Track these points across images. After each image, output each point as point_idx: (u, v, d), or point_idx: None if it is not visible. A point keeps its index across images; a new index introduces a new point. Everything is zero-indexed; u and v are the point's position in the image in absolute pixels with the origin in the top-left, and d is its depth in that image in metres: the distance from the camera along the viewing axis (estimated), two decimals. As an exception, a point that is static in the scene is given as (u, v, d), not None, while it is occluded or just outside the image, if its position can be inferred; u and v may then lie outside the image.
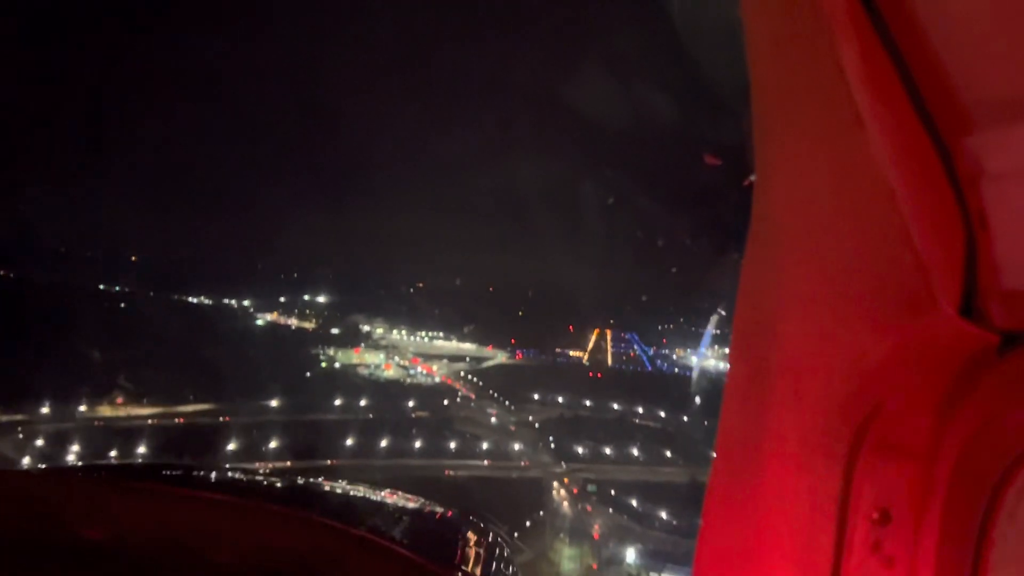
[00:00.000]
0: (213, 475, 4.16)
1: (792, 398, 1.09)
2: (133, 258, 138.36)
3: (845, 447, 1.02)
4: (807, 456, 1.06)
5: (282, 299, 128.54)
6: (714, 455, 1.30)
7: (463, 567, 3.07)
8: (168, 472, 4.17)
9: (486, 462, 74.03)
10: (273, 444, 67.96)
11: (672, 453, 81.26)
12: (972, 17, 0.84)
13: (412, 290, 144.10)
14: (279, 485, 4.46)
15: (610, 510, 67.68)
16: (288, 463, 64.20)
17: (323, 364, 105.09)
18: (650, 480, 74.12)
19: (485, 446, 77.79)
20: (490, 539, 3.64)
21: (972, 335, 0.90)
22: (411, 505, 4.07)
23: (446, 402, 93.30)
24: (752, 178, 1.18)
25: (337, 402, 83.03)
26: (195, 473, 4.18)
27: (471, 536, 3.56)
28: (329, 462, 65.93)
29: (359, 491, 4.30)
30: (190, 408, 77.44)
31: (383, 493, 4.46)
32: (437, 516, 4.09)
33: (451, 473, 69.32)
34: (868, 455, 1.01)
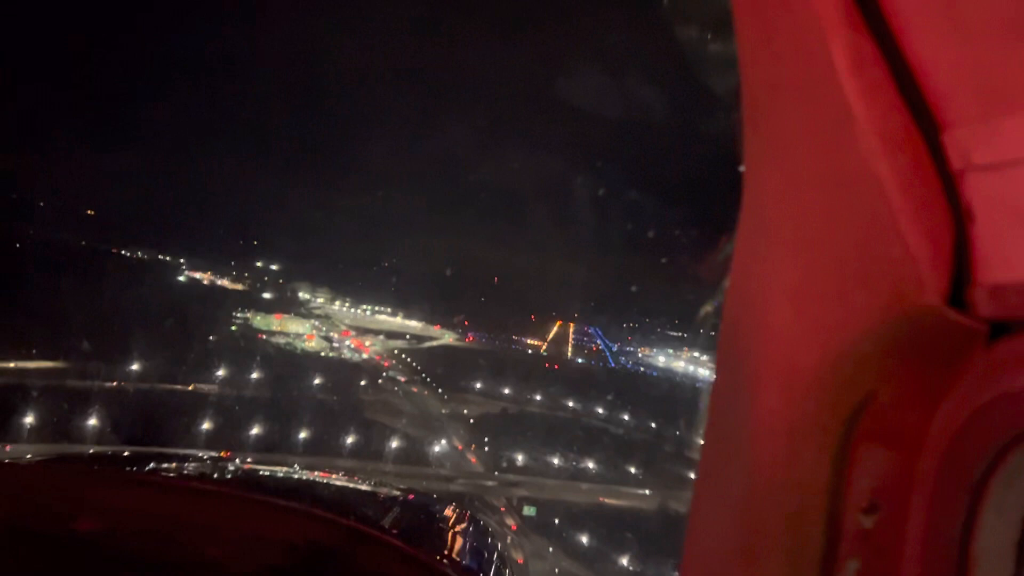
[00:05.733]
0: (206, 466, 4.33)
1: (781, 390, 1.04)
2: (90, 212, 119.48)
3: (835, 438, 0.99)
4: (797, 448, 1.02)
5: (232, 262, 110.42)
6: (702, 444, 1.25)
7: (453, 557, 2.98)
8: (162, 462, 3.85)
9: (391, 466, 51.88)
10: (93, 421, 45.61)
11: (637, 468, 59.92)
12: (961, 9, 0.82)
13: (375, 268, 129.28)
14: (272, 476, 4.32)
15: (550, 548, 45.94)
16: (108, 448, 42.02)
17: (232, 328, 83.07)
18: (607, 503, 53.00)
19: (395, 444, 55.91)
20: (481, 530, 3.58)
21: (960, 325, 0.88)
22: (402, 496, 4.02)
23: (364, 382, 71.35)
24: (741, 169, 1.14)
25: (221, 373, 60.64)
26: (189, 463, 4.23)
27: (462, 526, 3.51)
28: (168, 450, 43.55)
29: (351, 482, 4.62)
30: (26, 364, 55.75)
31: (375, 484, 4.73)
32: (428, 506, 4.02)
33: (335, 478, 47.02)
34: (857, 446, 0.98)
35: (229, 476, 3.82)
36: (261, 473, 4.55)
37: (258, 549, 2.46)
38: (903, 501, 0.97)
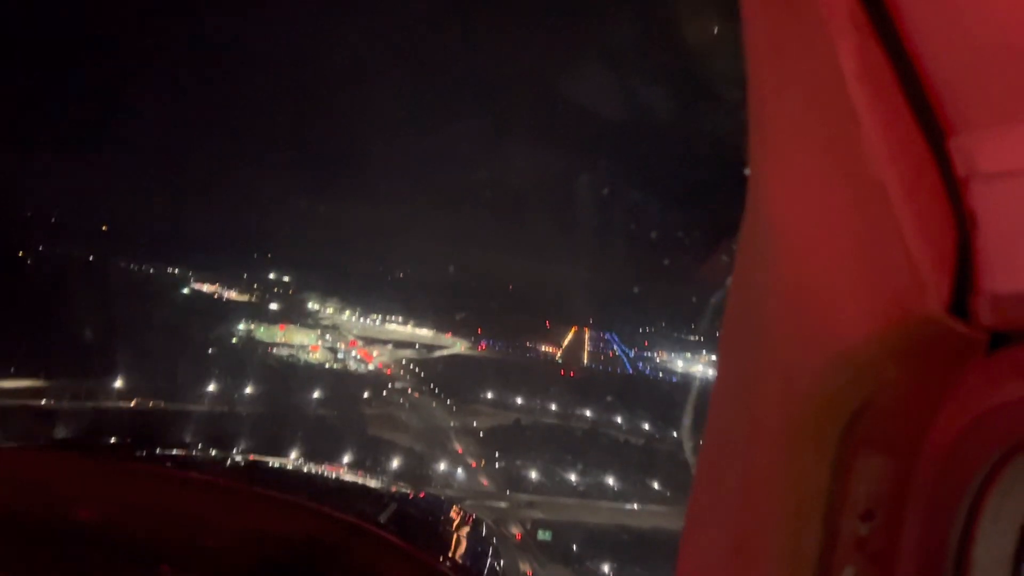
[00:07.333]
0: (206, 457, 4.07)
1: (781, 395, 1.03)
2: (104, 227, 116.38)
3: (833, 444, 0.98)
4: (795, 453, 1.01)
5: (242, 274, 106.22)
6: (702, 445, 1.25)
7: (450, 554, 2.95)
8: (161, 453, 3.79)
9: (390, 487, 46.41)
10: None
11: (662, 484, 54.15)
12: (969, 16, 0.81)
13: (386, 277, 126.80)
14: (271, 470, 4.20)
15: (568, 581, 40.44)
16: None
17: (233, 341, 78.63)
18: (631, 526, 47.47)
19: (397, 463, 50.45)
20: (479, 529, 3.55)
21: (961, 334, 0.87)
22: (400, 492, 3.97)
23: (367, 395, 66.13)
24: (746, 172, 1.12)
25: (212, 388, 55.89)
26: (189, 454, 4.12)
27: (459, 524, 3.50)
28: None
29: (348, 477, 4.49)
30: (7, 384, 51.48)
31: (372, 480, 4.78)
32: (426, 503, 4.00)
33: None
34: (856, 452, 0.98)
35: (231, 469, 3.64)
36: (262, 467, 4.20)
37: (256, 543, 2.42)
38: (900, 508, 0.96)
